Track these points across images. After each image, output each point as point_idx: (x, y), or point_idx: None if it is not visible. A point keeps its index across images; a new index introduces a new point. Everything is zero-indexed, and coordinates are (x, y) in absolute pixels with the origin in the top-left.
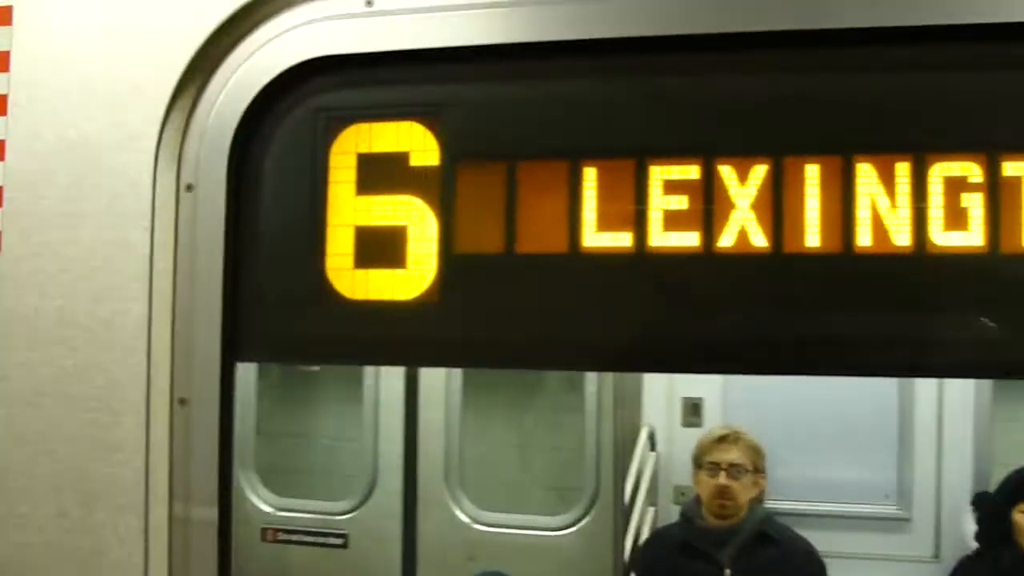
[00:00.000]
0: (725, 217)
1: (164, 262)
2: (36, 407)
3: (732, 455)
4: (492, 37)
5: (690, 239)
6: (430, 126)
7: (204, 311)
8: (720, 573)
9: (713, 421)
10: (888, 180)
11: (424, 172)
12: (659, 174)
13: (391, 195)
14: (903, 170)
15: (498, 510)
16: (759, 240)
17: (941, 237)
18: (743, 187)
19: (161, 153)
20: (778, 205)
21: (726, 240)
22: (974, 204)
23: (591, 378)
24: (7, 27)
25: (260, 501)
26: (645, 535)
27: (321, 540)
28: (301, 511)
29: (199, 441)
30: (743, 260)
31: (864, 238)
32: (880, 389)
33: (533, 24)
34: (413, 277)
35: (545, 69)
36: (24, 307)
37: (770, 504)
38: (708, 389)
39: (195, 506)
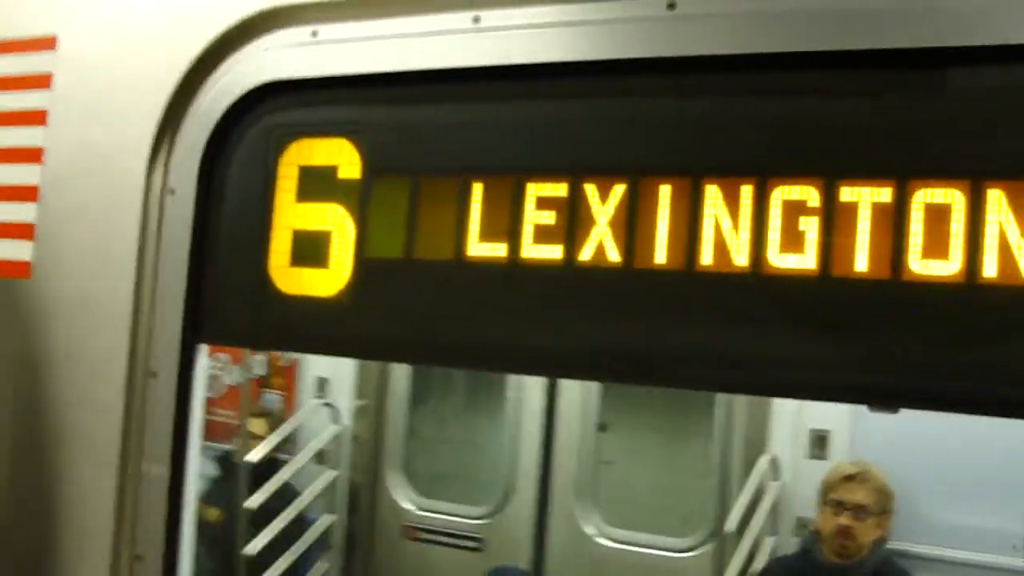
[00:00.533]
0: (587, 233)
1: (149, 253)
2: (34, 370)
3: (858, 496)
4: (405, 65)
5: (555, 252)
6: (354, 143)
7: (173, 298)
8: None
9: (839, 454)
10: (733, 202)
11: (347, 184)
12: (533, 191)
13: (322, 203)
14: (747, 193)
15: (624, 527)
16: (613, 255)
17: (778, 259)
18: (604, 206)
19: (154, 161)
20: (632, 223)
21: (586, 254)
22: (810, 227)
23: (721, 404)
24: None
25: (404, 500)
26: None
27: (459, 543)
28: (441, 513)
29: (161, 409)
30: (599, 273)
31: (706, 257)
32: (1018, 432)
33: (437, 53)
34: (333, 277)
35: (444, 94)
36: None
37: (893, 545)
38: (836, 422)
39: (153, 464)
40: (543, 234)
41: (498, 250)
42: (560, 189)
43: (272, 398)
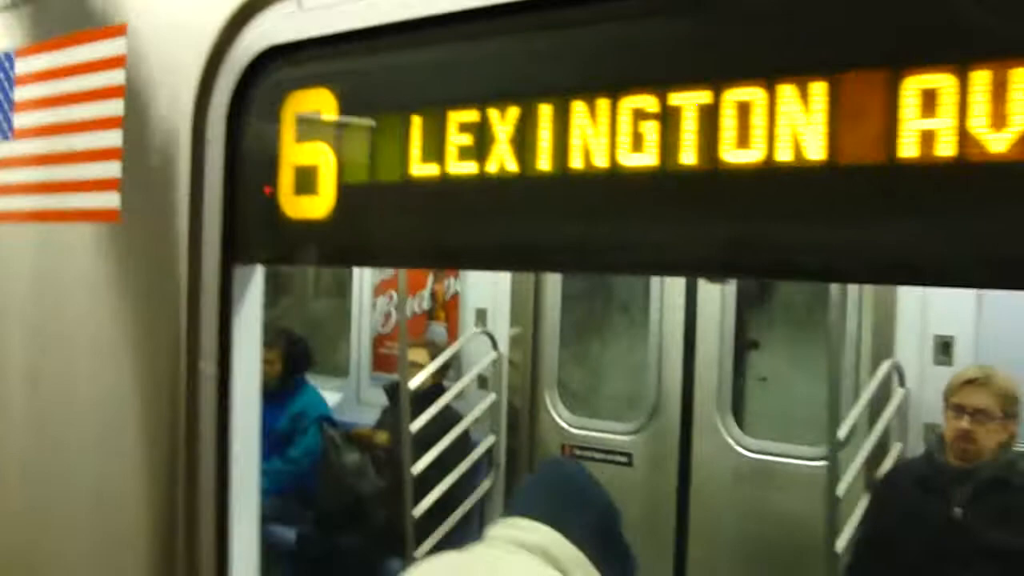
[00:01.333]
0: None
1: (196, 194)
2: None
3: (978, 399)
4: (370, 23)
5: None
6: (331, 91)
7: (212, 226)
8: (949, 511)
9: (965, 360)
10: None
11: (329, 125)
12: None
13: (311, 143)
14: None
15: (763, 438)
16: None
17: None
18: (504, 126)
19: (196, 115)
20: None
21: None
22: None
23: (851, 315)
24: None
25: (560, 419)
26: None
27: (610, 458)
28: (594, 430)
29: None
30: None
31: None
32: None
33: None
34: (322, 201)
35: (401, 43)
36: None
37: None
38: (960, 327)
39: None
40: (464, 153)
41: (433, 170)
42: (472, 115)
43: (438, 330)
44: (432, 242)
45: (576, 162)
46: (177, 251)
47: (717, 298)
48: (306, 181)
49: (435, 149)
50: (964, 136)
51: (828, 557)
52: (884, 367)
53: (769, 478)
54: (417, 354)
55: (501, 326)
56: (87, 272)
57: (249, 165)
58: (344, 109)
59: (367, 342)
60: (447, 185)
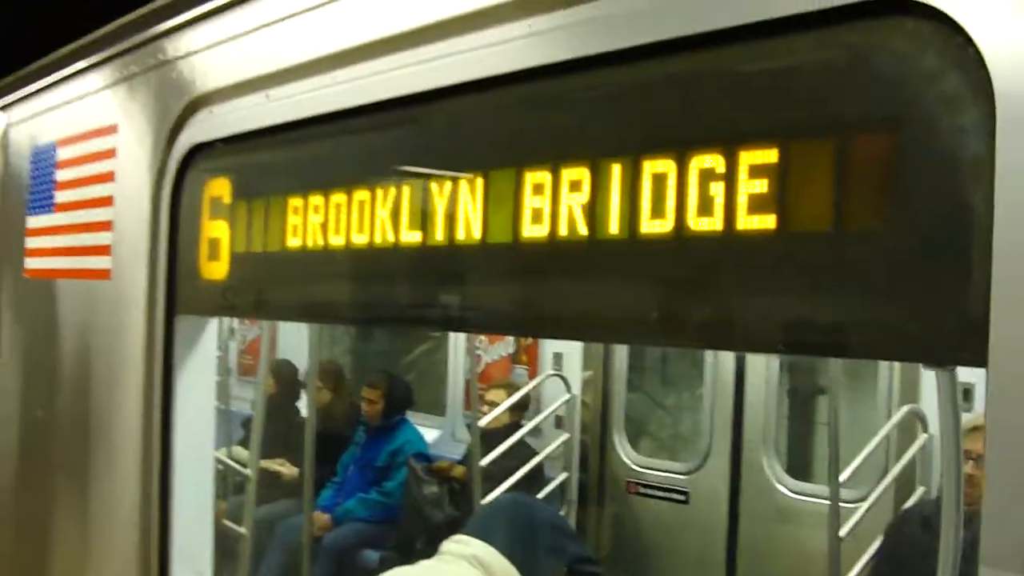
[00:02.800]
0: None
1: (152, 254)
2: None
3: (980, 445)
4: (260, 125)
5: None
6: (229, 180)
7: (160, 284)
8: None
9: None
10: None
11: (226, 206)
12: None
13: (216, 220)
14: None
15: (805, 480)
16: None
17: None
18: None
19: (153, 196)
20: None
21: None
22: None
23: (883, 373)
24: (115, 135)
25: (626, 458)
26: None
27: (668, 496)
28: (655, 469)
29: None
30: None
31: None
32: None
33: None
34: (222, 266)
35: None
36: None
37: None
38: (980, 376)
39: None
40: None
41: (291, 241)
42: (319, 200)
43: (520, 372)
44: (300, 300)
45: (374, 239)
46: (141, 303)
47: None
48: (213, 250)
49: (281, 226)
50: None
51: None
52: (900, 413)
53: (809, 517)
54: (496, 395)
55: (575, 369)
56: (93, 318)
57: (183, 237)
58: (235, 194)
59: (461, 384)
60: (305, 255)
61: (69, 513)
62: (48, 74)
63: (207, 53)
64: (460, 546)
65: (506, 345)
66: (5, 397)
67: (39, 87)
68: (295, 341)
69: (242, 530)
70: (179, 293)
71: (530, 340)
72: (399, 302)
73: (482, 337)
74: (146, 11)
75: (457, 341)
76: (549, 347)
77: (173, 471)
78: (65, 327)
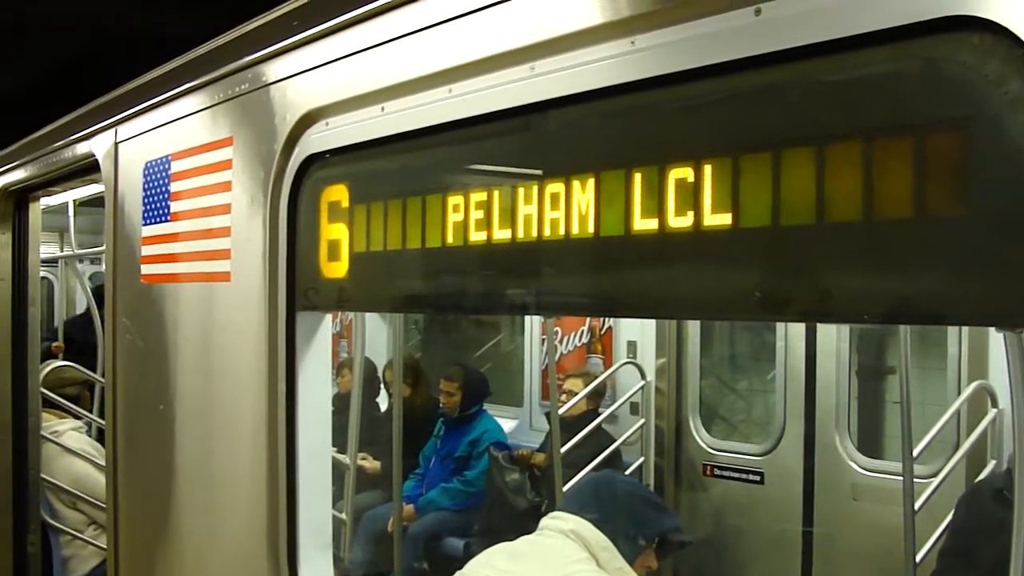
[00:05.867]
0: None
1: (272, 256)
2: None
3: None
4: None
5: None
6: (346, 186)
7: (280, 283)
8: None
9: None
10: None
11: (345, 210)
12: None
13: (336, 223)
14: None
15: (877, 457)
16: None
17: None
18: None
19: (270, 204)
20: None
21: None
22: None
23: (952, 340)
24: (231, 147)
25: (701, 441)
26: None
27: (744, 477)
28: (730, 451)
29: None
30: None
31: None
32: None
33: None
34: (342, 265)
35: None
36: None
37: None
38: None
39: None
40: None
41: (409, 241)
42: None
43: (595, 362)
44: (416, 293)
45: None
46: (262, 301)
47: (833, 329)
48: (333, 250)
49: (400, 228)
50: None
51: (910, 565)
52: (970, 389)
53: (883, 493)
54: (574, 383)
55: (649, 357)
56: (213, 317)
57: (302, 239)
58: (353, 199)
59: (537, 374)
60: (412, 254)
61: (195, 498)
62: (157, 93)
63: (321, 70)
64: (558, 521)
65: (581, 335)
66: (129, 394)
67: (148, 104)
68: (370, 339)
69: (342, 516)
70: (299, 290)
71: (604, 330)
72: (518, 291)
73: (557, 328)
74: (254, 28)
75: (532, 333)
76: (623, 336)
77: (298, 452)
78: (184, 327)
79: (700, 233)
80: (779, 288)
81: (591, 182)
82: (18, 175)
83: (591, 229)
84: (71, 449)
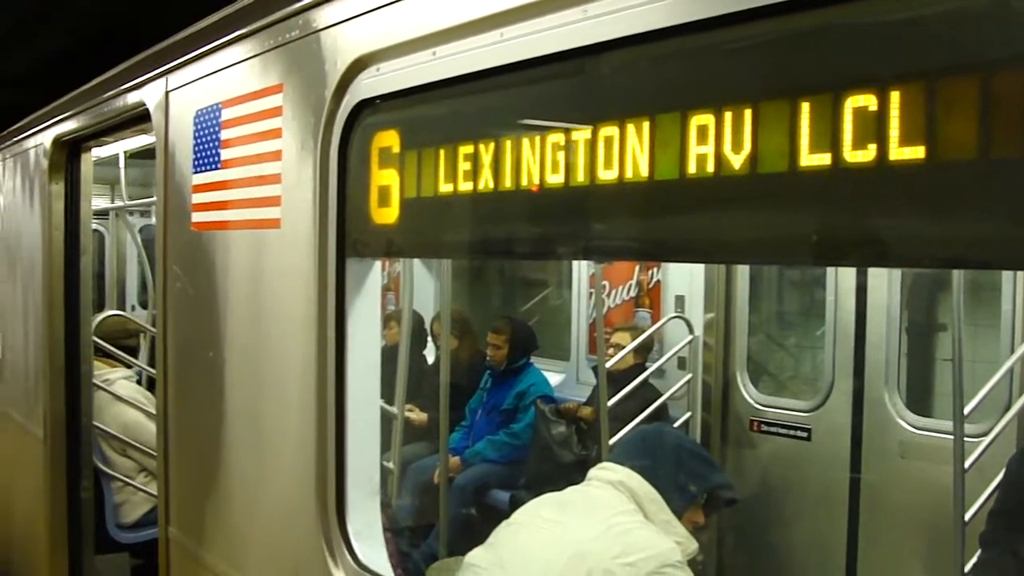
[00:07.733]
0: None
1: (322, 204)
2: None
3: None
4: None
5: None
6: (397, 132)
7: (331, 230)
8: None
9: None
10: None
11: (395, 156)
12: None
13: (386, 169)
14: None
15: (927, 415)
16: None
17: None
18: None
19: (321, 150)
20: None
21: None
22: None
23: (1007, 296)
24: (280, 94)
25: (749, 397)
26: None
27: (792, 433)
28: (777, 407)
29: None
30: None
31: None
32: None
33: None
34: (392, 211)
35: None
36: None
37: None
38: None
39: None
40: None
41: (461, 186)
42: (468, 148)
43: (643, 315)
44: (468, 239)
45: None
46: (311, 248)
47: (884, 284)
48: (384, 196)
49: (452, 173)
50: None
51: (959, 525)
52: (1023, 348)
53: (931, 451)
54: (622, 337)
55: (697, 311)
56: (263, 263)
57: (352, 185)
58: (404, 144)
59: (584, 328)
60: (464, 199)
61: (244, 446)
62: (208, 41)
63: (371, 16)
64: (606, 472)
65: (627, 288)
66: (178, 342)
67: (199, 53)
68: (417, 293)
69: (389, 465)
70: (348, 237)
71: (652, 284)
72: (571, 236)
73: (604, 282)
74: None
75: (580, 287)
76: (671, 290)
77: (347, 400)
78: (234, 275)
79: (756, 176)
80: (836, 232)
81: (646, 125)
82: (71, 125)
83: (645, 173)
84: (122, 397)
